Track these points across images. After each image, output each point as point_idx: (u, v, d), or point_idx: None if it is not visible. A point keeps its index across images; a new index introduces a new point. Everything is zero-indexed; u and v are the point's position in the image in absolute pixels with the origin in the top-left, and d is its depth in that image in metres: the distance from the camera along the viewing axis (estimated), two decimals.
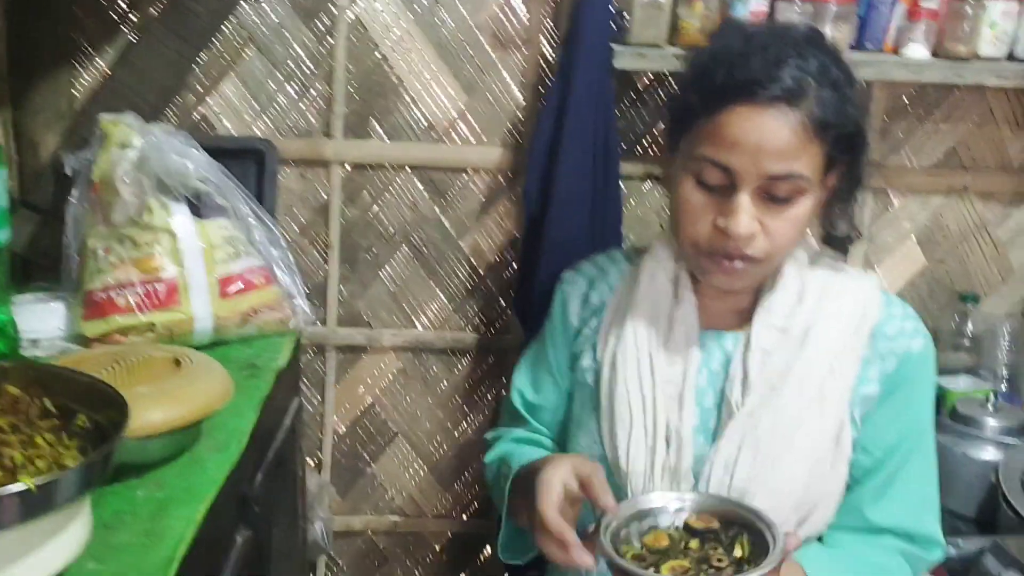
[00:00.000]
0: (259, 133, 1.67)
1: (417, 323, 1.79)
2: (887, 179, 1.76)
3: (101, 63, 1.61)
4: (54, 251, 1.29)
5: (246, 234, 1.35)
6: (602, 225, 1.56)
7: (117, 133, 1.24)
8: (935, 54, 1.55)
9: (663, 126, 1.63)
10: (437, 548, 1.92)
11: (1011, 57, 1.57)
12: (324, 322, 1.77)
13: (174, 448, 0.94)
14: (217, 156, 1.33)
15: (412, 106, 1.68)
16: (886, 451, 0.99)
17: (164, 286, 1.23)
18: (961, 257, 1.86)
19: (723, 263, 0.92)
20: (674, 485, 0.96)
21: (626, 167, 1.62)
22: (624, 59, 1.49)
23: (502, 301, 1.78)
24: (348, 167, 1.70)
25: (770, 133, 0.86)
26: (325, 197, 1.71)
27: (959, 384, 1.77)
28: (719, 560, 0.81)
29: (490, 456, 1.16)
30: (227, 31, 1.62)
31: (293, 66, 1.65)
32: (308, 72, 1.65)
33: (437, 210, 1.74)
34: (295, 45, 1.64)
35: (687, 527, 0.87)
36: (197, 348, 1.14)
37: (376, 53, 1.65)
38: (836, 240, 1.05)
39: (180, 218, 1.26)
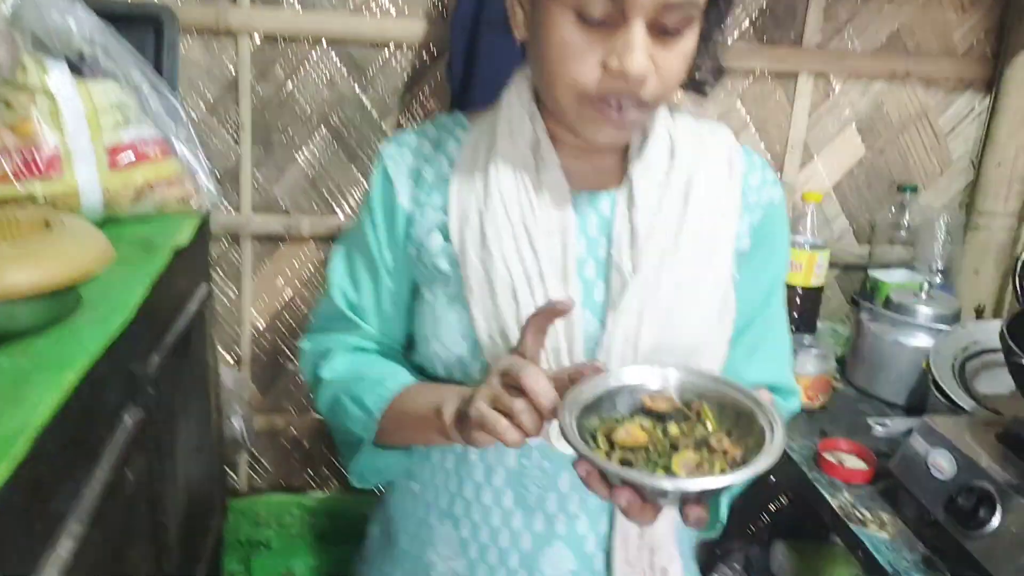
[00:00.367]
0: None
1: (338, 211, 1.70)
2: (829, 63, 1.70)
3: None
4: None
5: (139, 102, 1.24)
6: None
7: None
8: None
9: None
10: None
11: None
12: (238, 209, 1.66)
13: (46, 316, 0.85)
14: (109, 22, 1.20)
15: None
16: (755, 308, 0.94)
17: (44, 153, 1.12)
18: (901, 147, 1.83)
19: (611, 113, 0.79)
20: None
21: None
22: None
23: None
24: (258, 38, 1.57)
25: None
26: (233, 72, 1.58)
27: (894, 277, 1.77)
28: (719, 442, 0.71)
29: (328, 371, 0.95)
30: None
31: None
32: None
33: (357, 88, 1.63)
34: None
35: (645, 410, 0.75)
36: None
37: None
38: (694, 84, 0.92)
39: (58, 77, 1.14)
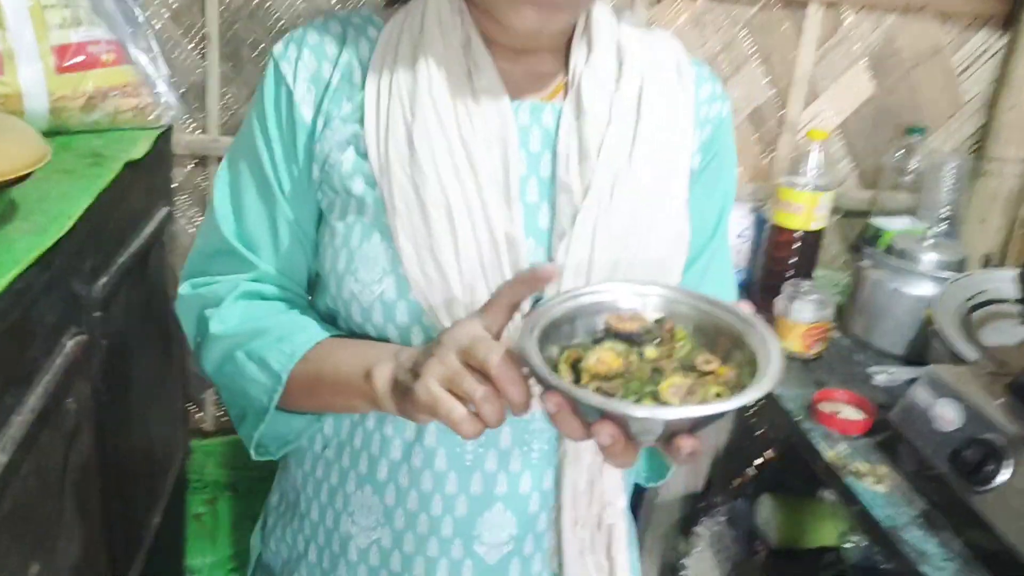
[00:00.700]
0: None
1: None
2: None
3: None
4: None
5: (91, 1, 1.14)
6: None
7: None
8: None
9: None
10: None
11: None
12: (204, 130, 1.57)
13: None
14: None
15: None
16: (704, 235, 0.86)
17: None
18: (911, 86, 1.75)
19: None
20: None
21: None
22: None
23: None
24: None
25: None
26: None
27: (896, 225, 1.70)
28: (707, 363, 0.63)
29: (217, 323, 0.79)
30: None
31: None
32: None
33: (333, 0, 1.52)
34: None
35: (611, 334, 0.65)
36: None
37: None
38: None
39: None
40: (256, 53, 1.54)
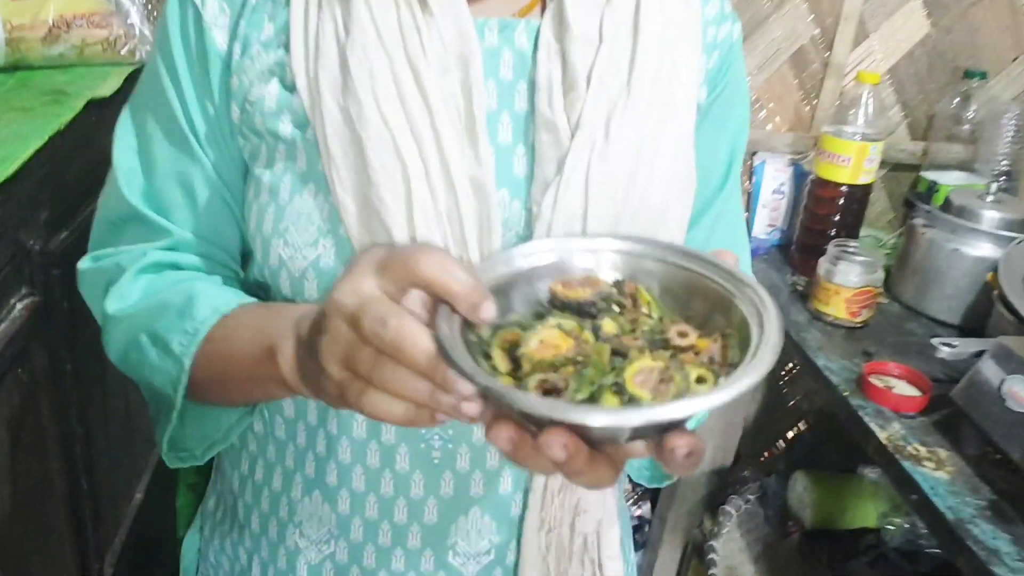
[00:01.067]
0: None
1: None
2: None
3: None
4: None
5: None
6: None
7: None
8: None
9: None
10: None
11: None
12: None
13: None
14: None
15: None
16: (713, 183, 0.73)
17: None
18: (971, 25, 1.61)
19: None
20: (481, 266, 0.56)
21: None
22: None
23: None
24: None
25: None
26: None
27: (949, 179, 1.57)
28: (683, 336, 0.50)
29: (115, 301, 0.65)
30: None
31: None
32: None
33: None
34: None
35: (557, 304, 0.51)
36: None
37: None
38: None
39: None
40: None
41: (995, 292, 1.22)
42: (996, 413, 0.96)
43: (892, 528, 1.53)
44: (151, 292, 0.64)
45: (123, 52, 1.09)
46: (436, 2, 0.59)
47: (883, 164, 1.63)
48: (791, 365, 1.78)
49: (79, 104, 0.93)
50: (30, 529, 0.86)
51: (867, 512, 1.57)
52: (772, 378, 1.84)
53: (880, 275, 1.31)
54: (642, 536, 1.91)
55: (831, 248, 1.32)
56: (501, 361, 0.47)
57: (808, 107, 1.63)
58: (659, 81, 0.63)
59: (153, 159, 0.66)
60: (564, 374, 0.45)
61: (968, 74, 1.59)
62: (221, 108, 0.63)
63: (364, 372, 0.45)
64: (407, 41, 0.58)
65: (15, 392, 0.81)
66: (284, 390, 0.56)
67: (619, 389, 0.44)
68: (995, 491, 0.95)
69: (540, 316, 0.50)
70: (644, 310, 0.52)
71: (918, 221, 1.40)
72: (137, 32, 1.10)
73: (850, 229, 1.47)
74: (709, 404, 0.42)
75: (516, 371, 0.46)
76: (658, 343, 0.49)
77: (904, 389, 1.13)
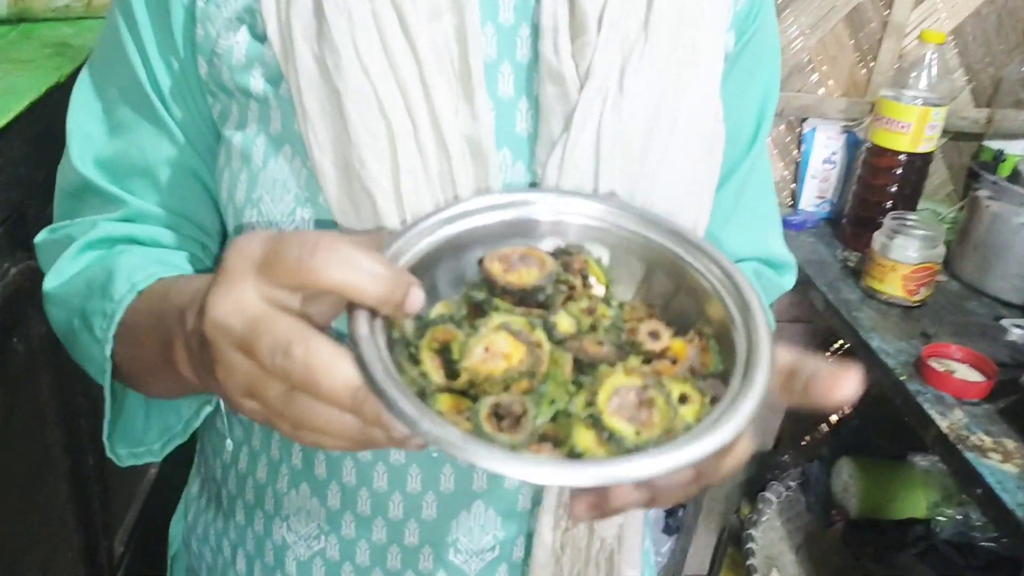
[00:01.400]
0: None
1: None
2: None
3: None
4: None
5: None
6: None
7: None
8: None
9: None
10: None
11: None
12: None
13: None
14: None
15: None
16: (740, 144, 0.65)
17: None
18: None
19: None
20: None
21: None
22: None
23: None
24: None
25: None
26: None
27: (1018, 149, 1.47)
28: (654, 336, 0.42)
29: (52, 278, 0.59)
30: None
31: None
32: None
33: None
34: None
35: (493, 287, 0.43)
36: None
37: None
38: None
39: None
40: None
41: None
42: None
43: (943, 519, 1.46)
44: (84, 268, 0.58)
45: None
46: None
47: (943, 133, 1.54)
48: (837, 345, 1.70)
49: (82, 57, 0.88)
50: (30, 508, 0.83)
51: (917, 502, 1.50)
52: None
53: (941, 251, 1.23)
54: (675, 521, 1.85)
55: (888, 221, 1.24)
56: (433, 368, 0.39)
57: (864, 70, 1.54)
58: (681, 24, 0.55)
59: (111, 123, 0.59)
60: (516, 392, 0.38)
61: None
62: (187, 63, 0.56)
63: (276, 408, 0.37)
64: None
65: (11, 363, 0.76)
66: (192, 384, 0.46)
67: (594, 422, 0.37)
68: None
69: (474, 306, 0.42)
70: (596, 290, 0.44)
71: (982, 193, 1.31)
72: None
73: (907, 201, 1.38)
74: (710, 448, 0.35)
75: (451, 379, 0.39)
76: (626, 347, 0.41)
77: (967, 374, 1.06)
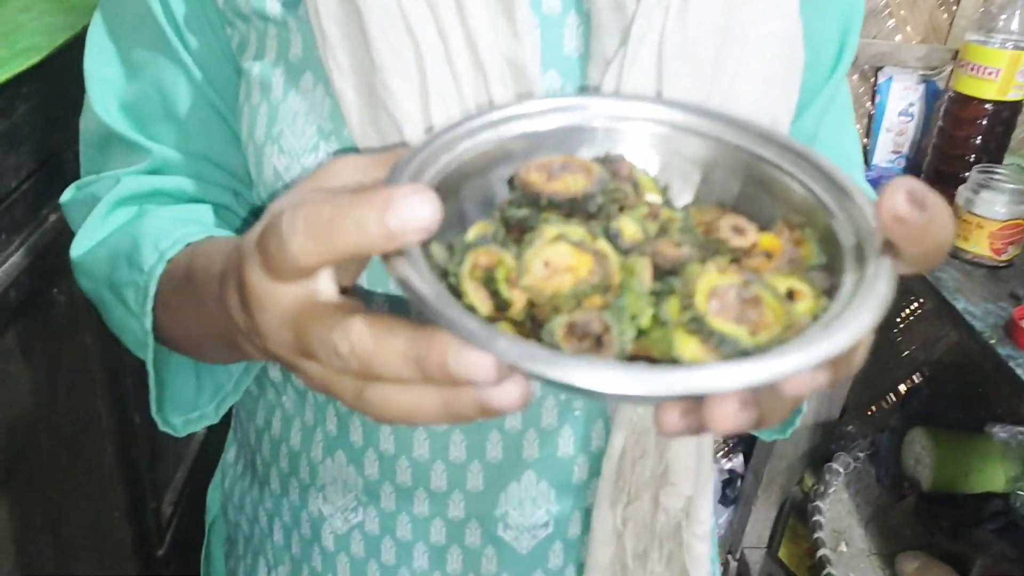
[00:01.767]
0: None
1: None
2: None
3: None
4: None
5: None
6: None
7: None
8: None
9: None
10: None
11: None
12: None
13: None
14: None
15: None
16: (821, 69, 0.58)
17: None
18: None
19: None
20: None
21: None
22: None
23: None
24: None
25: None
26: None
27: None
28: (738, 232, 0.36)
29: (78, 244, 0.55)
30: None
31: None
32: None
33: None
34: None
35: (536, 201, 0.37)
36: None
37: None
38: None
39: None
40: None
41: None
42: None
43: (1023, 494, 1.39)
44: (111, 233, 0.54)
45: None
46: None
47: None
48: (913, 307, 1.62)
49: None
50: (75, 467, 0.81)
51: (995, 475, 1.43)
52: (883, 323, 1.68)
53: None
54: (733, 491, 1.80)
55: (974, 175, 1.17)
56: (479, 299, 0.33)
57: (946, 14, 1.45)
58: None
59: (127, 65, 0.55)
60: (588, 310, 0.32)
61: None
62: None
63: (354, 403, 0.33)
64: None
65: (53, 314, 0.74)
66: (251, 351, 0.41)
67: (698, 326, 0.32)
68: None
69: (514, 225, 0.36)
70: (649, 198, 0.38)
71: None
72: None
73: (992, 155, 1.30)
74: (859, 331, 0.30)
75: (501, 312, 0.33)
76: (710, 246, 0.36)
77: None
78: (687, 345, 0.32)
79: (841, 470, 1.51)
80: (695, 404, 0.30)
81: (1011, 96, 1.25)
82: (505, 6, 0.45)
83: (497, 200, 0.38)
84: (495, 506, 0.58)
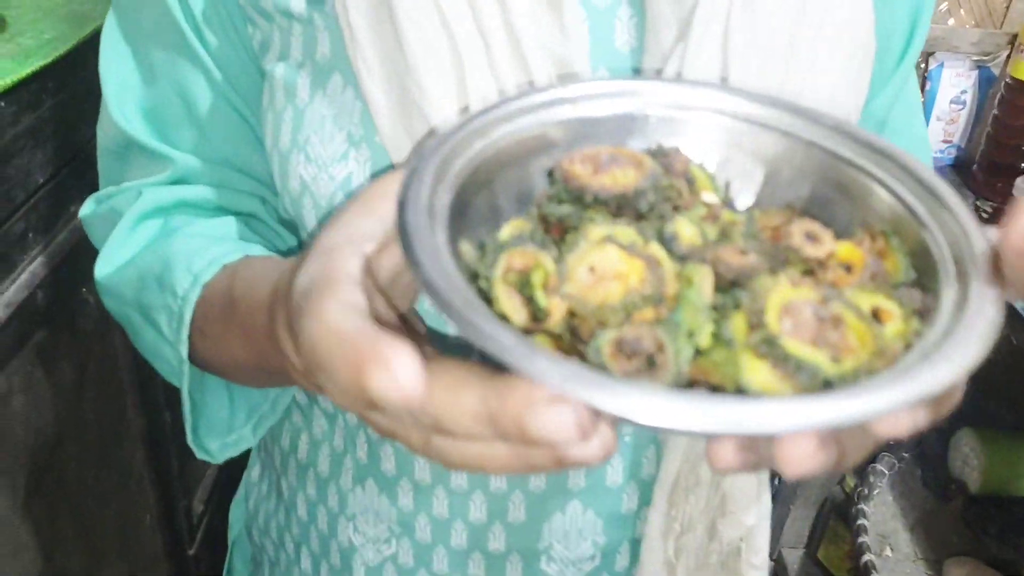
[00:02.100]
0: None
1: None
2: None
3: None
4: None
5: None
6: None
7: None
8: None
9: None
10: None
11: None
12: None
13: None
14: None
15: None
16: (891, 56, 0.54)
17: None
18: None
19: None
20: None
21: None
22: None
23: None
24: None
25: None
26: None
27: None
28: (813, 240, 0.32)
29: (103, 264, 0.53)
30: None
31: None
32: None
33: None
34: None
35: (579, 196, 0.33)
36: None
37: None
38: None
39: None
40: None
41: None
42: None
43: None
44: (137, 253, 0.51)
45: None
46: None
47: None
48: None
49: None
50: (106, 470, 0.79)
51: None
52: None
53: None
54: (771, 489, 1.76)
55: None
56: (512, 308, 0.30)
57: None
58: None
59: (145, 67, 0.52)
60: (639, 324, 0.29)
61: None
62: None
63: (424, 453, 0.30)
64: None
65: (82, 315, 0.72)
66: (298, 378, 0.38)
67: (770, 348, 0.28)
68: None
69: (553, 224, 0.32)
70: (706, 198, 0.34)
71: None
72: None
73: None
74: (967, 364, 0.26)
75: (538, 322, 0.30)
76: (780, 255, 0.32)
77: None
78: (757, 371, 0.28)
79: (886, 471, 1.47)
80: (757, 439, 0.27)
81: None
82: (554, 2, 0.42)
83: (535, 194, 0.35)
84: (538, 539, 0.55)
